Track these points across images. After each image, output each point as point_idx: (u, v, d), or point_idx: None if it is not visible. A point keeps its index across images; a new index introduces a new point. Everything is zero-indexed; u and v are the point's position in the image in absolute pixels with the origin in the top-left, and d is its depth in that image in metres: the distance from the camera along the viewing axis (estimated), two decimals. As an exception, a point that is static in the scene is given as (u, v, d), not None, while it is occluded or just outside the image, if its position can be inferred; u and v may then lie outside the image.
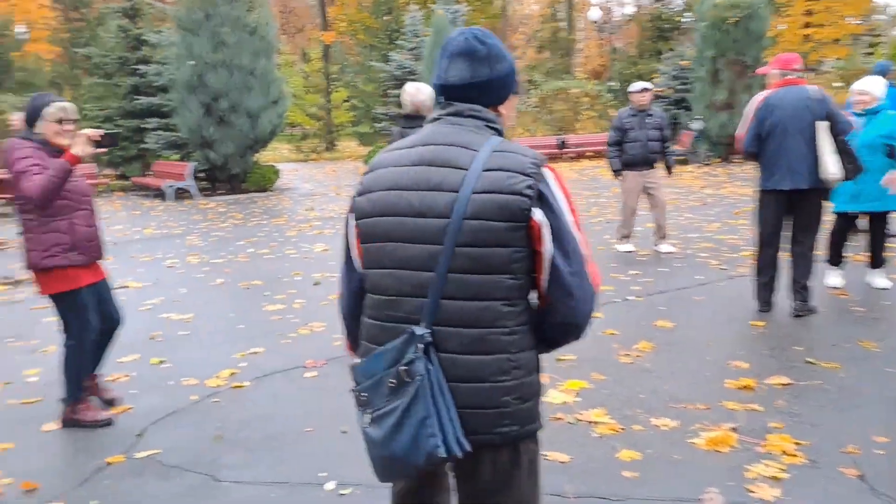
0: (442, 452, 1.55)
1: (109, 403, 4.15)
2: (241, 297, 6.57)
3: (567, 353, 4.48)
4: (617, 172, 7.53)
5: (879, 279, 5.80)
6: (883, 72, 7.83)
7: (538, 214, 1.58)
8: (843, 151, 4.87)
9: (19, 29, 25.46)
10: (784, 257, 5.21)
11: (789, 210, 5.08)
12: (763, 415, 3.58)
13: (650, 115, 7.45)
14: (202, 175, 16.20)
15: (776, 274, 5.21)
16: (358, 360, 1.72)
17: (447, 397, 1.57)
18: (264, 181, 15.72)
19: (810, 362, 4.26)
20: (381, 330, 1.67)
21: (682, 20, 25.36)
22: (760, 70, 5.63)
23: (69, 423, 3.91)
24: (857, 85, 5.70)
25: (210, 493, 3.12)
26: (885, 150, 5.47)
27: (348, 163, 23.73)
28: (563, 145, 19.61)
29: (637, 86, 7.55)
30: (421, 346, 1.57)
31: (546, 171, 1.63)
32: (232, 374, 4.57)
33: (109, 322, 4.07)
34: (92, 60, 19.75)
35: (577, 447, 3.33)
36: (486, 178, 1.57)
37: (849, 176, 4.89)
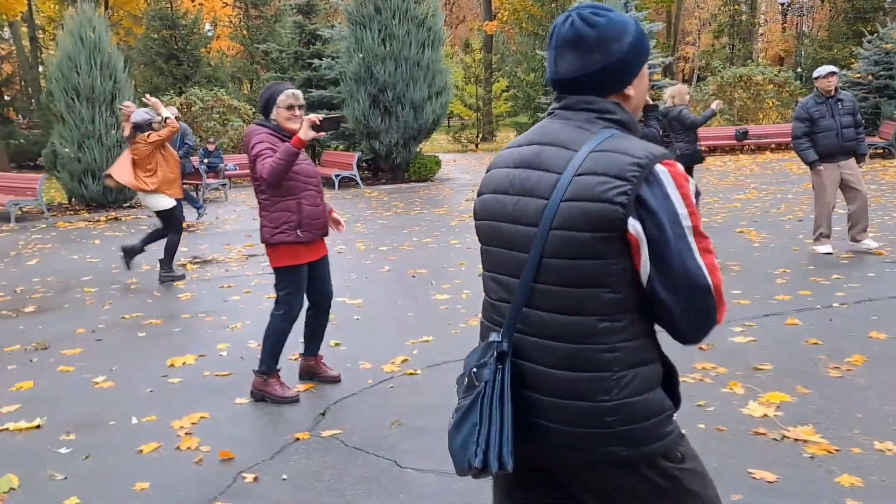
0: (477, 463, 1.48)
1: (334, 382, 4.28)
2: (408, 285, 6.65)
3: (763, 362, 4.12)
4: (814, 163, 6.89)
5: None
6: None
7: (635, 226, 1.39)
8: None
9: (206, 27, 27.60)
10: None
11: None
12: None
13: (840, 100, 6.81)
14: (365, 164, 16.78)
15: None
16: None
17: (506, 410, 1.48)
18: (425, 171, 16.01)
19: None
20: (484, 330, 1.66)
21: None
22: None
23: (257, 394, 4.10)
24: None
25: (395, 480, 3.13)
26: None
27: (505, 154, 23.65)
28: (743, 136, 18.18)
29: (823, 70, 6.92)
30: (494, 353, 1.50)
31: (660, 172, 1.41)
32: (404, 360, 4.61)
33: (326, 298, 4.28)
34: (270, 56, 21.02)
35: (786, 467, 3.01)
36: (577, 183, 1.43)
37: None
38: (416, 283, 6.72)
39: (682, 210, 1.40)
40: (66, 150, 13.18)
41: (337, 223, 4.33)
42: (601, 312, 1.45)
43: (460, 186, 15.07)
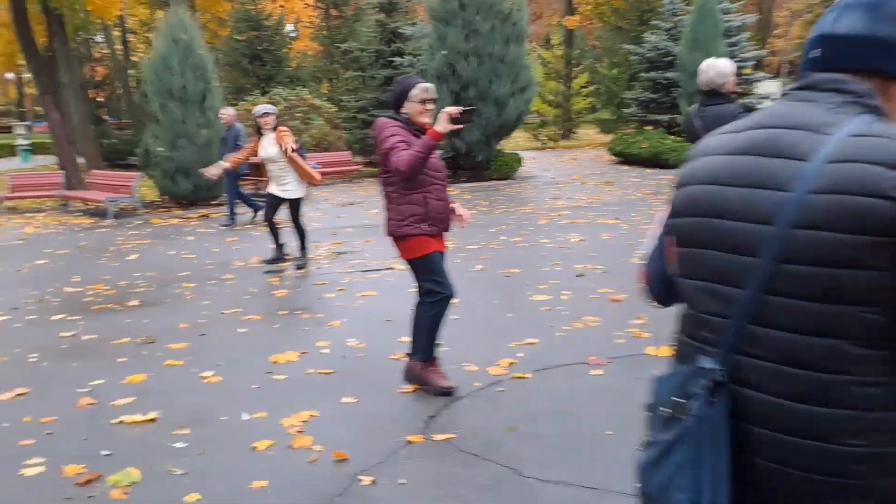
0: None
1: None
2: (502, 285, 6.52)
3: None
4: None
5: None
6: None
7: None
8: None
9: (288, 28, 28.17)
10: None
11: None
12: None
13: None
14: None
15: None
16: (660, 374, 1.41)
17: (722, 453, 1.23)
18: (507, 169, 15.83)
19: None
20: (687, 349, 1.37)
21: None
22: None
23: (413, 378, 4.11)
24: None
25: (517, 489, 3.00)
26: None
27: (588, 151, 23.27)
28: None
29: None
30: (706, 382, 1.24)
31: None
32: (511, 363, 4.48)
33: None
34: (350, 54, 21.26)
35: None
36: (833, 172, 1.16)
37: None
38: (510, 283, 6.59)
39: None
40: (160, 149, 13.61)
41: (460, 217, 4.22)
42: (859, 336, 1.17)
43: (543, 184, 14.83)
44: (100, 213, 13.37)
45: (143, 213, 13.27)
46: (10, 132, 34.71)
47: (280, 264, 7.99)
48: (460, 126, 3.81)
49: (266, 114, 7.87)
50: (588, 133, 29.25)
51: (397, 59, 18.44)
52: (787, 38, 31.17)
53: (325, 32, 27.78)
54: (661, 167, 16.17)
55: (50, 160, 23.78)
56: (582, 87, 25.81)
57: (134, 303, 6.63)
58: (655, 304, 1.59)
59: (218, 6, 28.54)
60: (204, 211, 13.32)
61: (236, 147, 11.03)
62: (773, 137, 1.27)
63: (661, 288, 1.52)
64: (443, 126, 3.77)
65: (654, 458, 1.31)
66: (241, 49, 23.96)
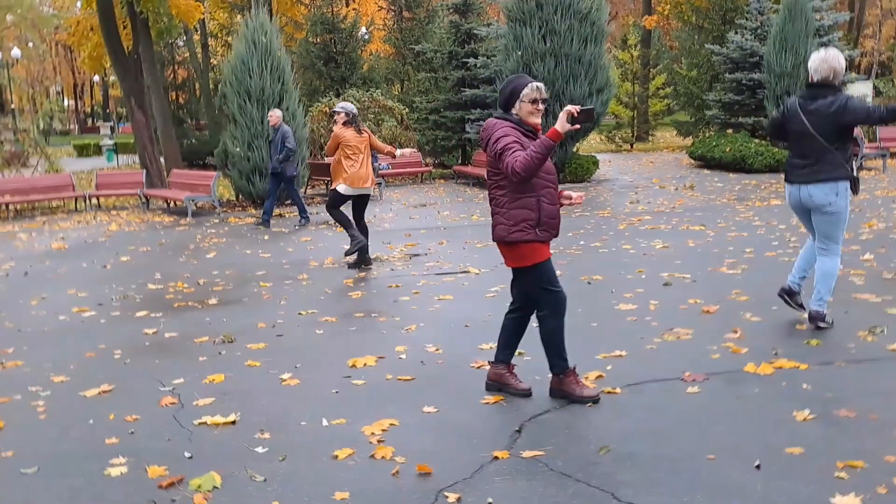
0: None
1: (525, 396, 4.02)
2: (584, 293, 6.27)
3: None
4: None
5: None
6: None
7: None
8: None
9: (362, 30, 28.41)
10: None
11: None
12: None
13: None
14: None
15: None
16: None
17: None
18: (582, 172, 15.48)
19: None
20: None
21: None
22: None
23: (557, 393, 3.95)
24: None
25: (616, 517, 2.79)
26: None
27: (665, 154, 22.62)
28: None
29: None
30: None
31: None
32: (598, 376, 4.26)
33: (534, 302, 4.04)
34: (423, 56, 21.24)
35: None
36: None
37: None
38: (593, 291, 6.34)
39: None
40: (238, 149, 13.85)
41: (569, 198, 4.01)
42: None
43: (621, 188, 14.43)
44: (179, 212, 13.71)
45: (221, 212, 13.53)
46: (97, 132, 36.26)
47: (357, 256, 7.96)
48: (578, 126, 3.62)
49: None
50: (665, 136, 28.45)
51: (471, 60, 18.30)
52: (878, 37, 29.59)
53: (397, 34, 27.89)
54: (745, 171, 15.53)
55: (133, 160, 24.66)
56: (658, 88, 25.12)
57: (213, 301, 6.68)
58: None
59: (295, 10, 29.08)
60: (278, 210, 13.48)
61: (284, 149, 11.15)
62: None
63: None
64: (561, 125, 3.56)
65: None
66: (315, 51, 24.26)
